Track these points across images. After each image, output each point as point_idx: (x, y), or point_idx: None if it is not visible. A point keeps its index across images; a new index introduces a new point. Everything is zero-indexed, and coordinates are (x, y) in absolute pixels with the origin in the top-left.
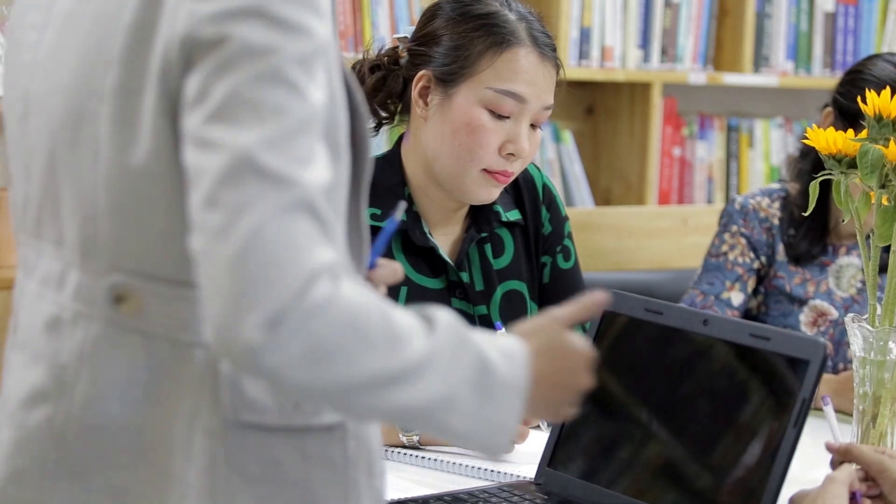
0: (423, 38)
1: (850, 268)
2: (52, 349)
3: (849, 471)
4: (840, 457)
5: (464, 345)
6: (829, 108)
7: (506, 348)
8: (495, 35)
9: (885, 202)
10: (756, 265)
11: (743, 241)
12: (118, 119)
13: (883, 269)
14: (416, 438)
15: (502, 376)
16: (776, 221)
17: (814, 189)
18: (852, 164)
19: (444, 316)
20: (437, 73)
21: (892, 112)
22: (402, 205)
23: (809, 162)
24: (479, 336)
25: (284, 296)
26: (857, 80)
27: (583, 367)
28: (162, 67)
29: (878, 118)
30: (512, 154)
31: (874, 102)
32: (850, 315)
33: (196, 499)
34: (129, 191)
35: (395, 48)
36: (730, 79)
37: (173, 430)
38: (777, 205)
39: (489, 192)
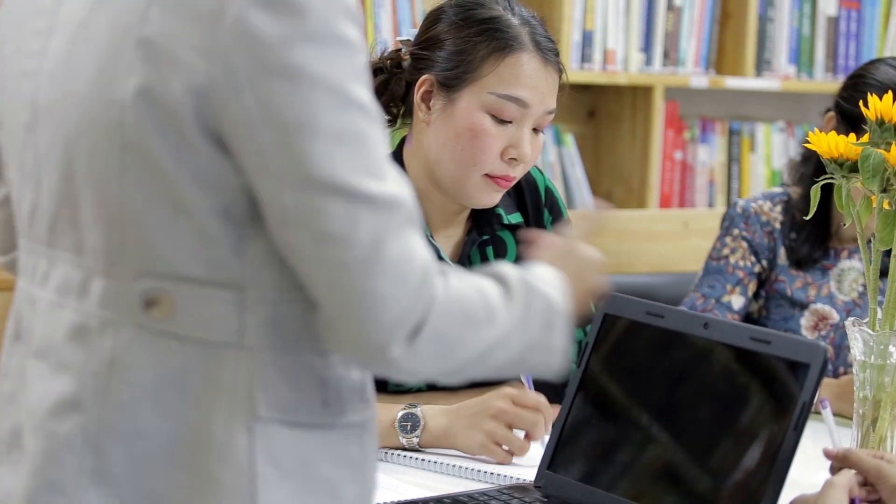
0: (426, 42)
1: (851, 271)
2: (79, 358)
3: (848, 476)
4: (838, 463)
5: (532, 293)
6: (832, 113)
7: (552, 282)
8: (498, 40)
9: (886, 206)
10: (757, 269)
11: (744, 244)
12: (145, 127)
13: (884, 273)
14: (415, 440)
15: (559, 309)
16: (778, 225)
17: (815, 193)
18: (854, 168)
19: (511, 272)
20: (439, 77)
21: (894, 116)
22: None
23: (812, 166)
24: (534, 277)
25: (416, 312)
26: (859, 84)
27: (597, 273)
28: (194, 84)
29: (880, 122)
30: (514, 159)
31: (876, 106)
32: (851, 319)
33: (235, 497)
34: (160, 196)
35: (397, 51)
36: (732, 82)
37: (209, 431)
38: (779, 208)
39: (491, 197)
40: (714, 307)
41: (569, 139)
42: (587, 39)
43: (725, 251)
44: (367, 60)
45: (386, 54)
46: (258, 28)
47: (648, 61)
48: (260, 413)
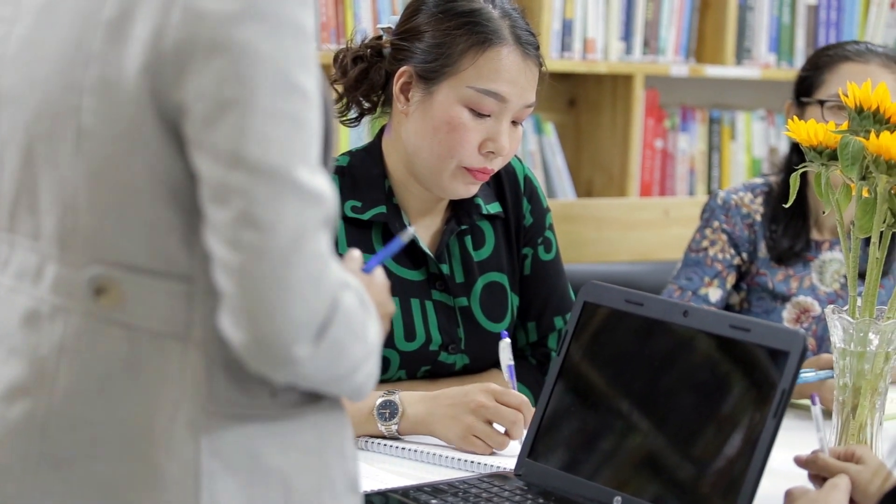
0: (406, 33)
1: (833, 263)
2: (30, 343)
3: (847, 479)
4: (806, 468)
5: (373, 311)
6: (789, 101)
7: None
8: (478, 34)
9: (865, 194)
10: (736, 261)
11: (724, 237)
12: (101, 112)
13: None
14: (394, 428)
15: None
16: (759, 217)
17: (794, 181)
18: (833, 156)
19: (362, 289)
20: (418, 69)
21: (873, 104)
22: (411, 231)
23: (799, 154)
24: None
25: (324, 312)
26: (806, 66)
27: (387, 296)
28: (148, 64)
29: (859, 110)
30: (492, 152)
31: (855, 94)
32: (831, 307)
33: (179, 490)
34: (112, 183)
35: (378, 38)
36: (712, 71)
37: (155, 421)
38: (760, 200)
39: (467, 189)
40: (690, 299)
41: (549, 128)
42: (567, 28)
43: (705, 243)
44: (316, 52)
45: (366, 42)
46: (208, 4)
47: (628, 50)
48: (206, 406)
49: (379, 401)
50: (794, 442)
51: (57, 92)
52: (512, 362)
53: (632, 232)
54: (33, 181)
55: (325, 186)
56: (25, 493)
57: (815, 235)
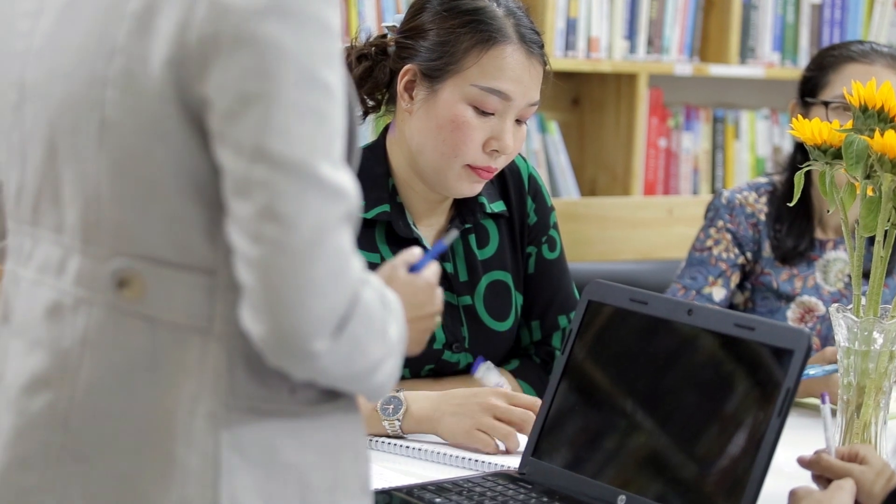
0: (410, 31)
1: (837, 262)
2: (53, 335)
3: (853, 482)
4: (810, 469)
5: (397, 311)
6: (794, 101)
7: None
8: (482, 32)
9: (870, 193)
10: (741, 261)
11: (728, 236)
12: (125, 105)
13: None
14: (397, 424)
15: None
16: (763, 217)
17: (798, 180)
18: (838, 155)
19: (383, 288)
20: (422, 67)
21: (878, 103)
22: (454, 234)
23: (803, 153)
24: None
25: (343, 307)
26: (810, 66)
27: (430, 296)
28: (173, 57)
29: (864, 109)
30: (496, 150)
31: (859, 93)
32: (835, 305)
33: (199, 482)
34: (136, 176)
35: (383, 37)
36: (716, 70)
37: (175, 414)
38: (764, 199)
39: (471, 188)
40: (694, 298)
41: (553, 127)
42: (571, 27)
43: (709, 242)
44: (341, 50)
45: (371, 40)
46: (231, 1)
47: (632, 49)
48: (226, 400)
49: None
50: (798, 441)
51: (80, 85)
52: (503, 382)
53: (635, 231)
54: (56, 174)
55: (347, 182)
56: (47, 485)
57: (819, 235)
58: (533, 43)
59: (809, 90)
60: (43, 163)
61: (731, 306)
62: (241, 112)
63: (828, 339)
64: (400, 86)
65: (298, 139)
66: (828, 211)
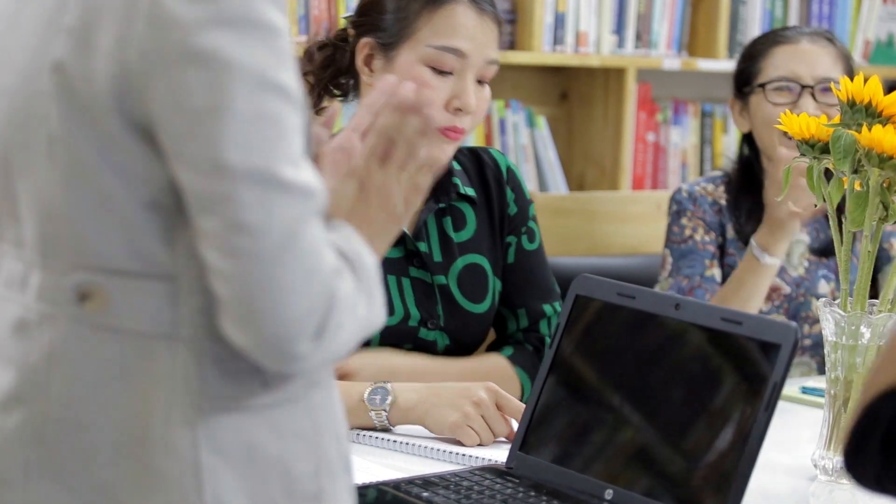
0: (364, 8)
1: (799, 245)
2: (20, 351)
3: None
4: None
5: (370, 276)
6: (731, 98)
7: (368, 253)
8: None
9: (857, 187)
10: (718, 242)
11: (700, 223)
12: (69, 120)
13: (828, 251)
14: (384, 414)
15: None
16: (724, 202)
17: (786, 174)
18: (825, 150)
19: (354, 254)
20: (379, 39)
21: (865, 97)
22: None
23: (750, 144)
24: (362, 251)
25: (322, 307)
26: (741, 59)
27: (393, 205)
28: (114, 73)
29: (851, 103)
30: (459, 109)
31: (847, 87)
32: (823, 300)
33: (181, 489)
34: (87, 189)
35: (343, 29)
36: (704, 64)
37: (151, 424)
38: (721, 189)
39: (442, 149)
40: (701, 283)
41: (541, 121)
42: (559, 21)
43: (687, 232)
44: (291, 46)
45: (332, 32)
46: (172, 12)
47: (621, 43)
48: (199, 403)
49: (370, 388)
50: (784, 436)
51: (25, 101)
52: None
53: (624, 225)
54: (12, 189)
55: (311, 179)
56: (28, 502)
57: None
58: (484, 0)
59: (745, 81)
60: (0, 178)
61: None
62: (193, 129)
63: (795, 318)
64: (359, 61)
65: (255, 147)
66: (777, 198)
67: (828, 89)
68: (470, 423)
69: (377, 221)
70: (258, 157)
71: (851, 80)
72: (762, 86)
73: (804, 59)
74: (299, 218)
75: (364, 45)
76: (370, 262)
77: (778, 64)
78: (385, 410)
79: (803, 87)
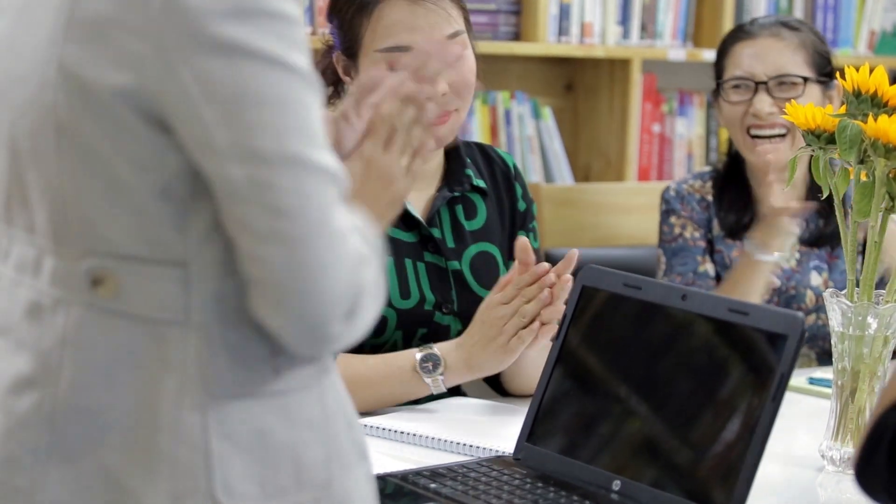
0: (328, 20)
1: (789, 237)
2: (34, 335)
3: None
4: None
5: (382, 254)
6: (712, 94)
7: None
8: (359, 0)
9: (863, 177)
10: (707, 237)
11: (688, 220)
12: (79, 109)
13: (818, 240)
14: (441, 380)
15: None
16: (710, 198)
17: (792, 165)
18: (831, 140)
19: (368, 230)
20: (343, 51)
21: (871, 87)
22: None
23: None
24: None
25: (354, 289)
26: (716, 56)
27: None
28: (128, 63)
29: (857, 93)
30: (442, 94)
31: (852, 77)
32: (829, 290)
33: (190, 475)
34: (98, 177)
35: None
36: (709, 55)
37: (161, 409)
38: (709, 185)
39: (438, 139)
40: (695, 279)
41: (546, 112)
42: (564, 12)
43: (677, 230)
44: (306, 34)
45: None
46: (189, 4)
47: (626, 34)
48: (210, 389)
49: (419, 355)
50: (792, 427)
51: (34, 89)
52: None
53: (630, 216)
54: (22, 176)
55: (334, 162)
56: (37, 486)
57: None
58: None
59: (717, 78)
60: (9, 165)
61: None
62: (222, 118)
63: (789, 308)
64: (340, 71)
65: (283, 131)
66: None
67: (783, 83)
68: (511, 338)
69: (380, 202)
70: (290, 142)
71: (820, 66)
72: (719, 85)
73: (760, 55)
74: (330, 201)
75: (336, 58)
76: (380, 242)
77: (737, 62)
78: (441, 376)
79: (757, 83)
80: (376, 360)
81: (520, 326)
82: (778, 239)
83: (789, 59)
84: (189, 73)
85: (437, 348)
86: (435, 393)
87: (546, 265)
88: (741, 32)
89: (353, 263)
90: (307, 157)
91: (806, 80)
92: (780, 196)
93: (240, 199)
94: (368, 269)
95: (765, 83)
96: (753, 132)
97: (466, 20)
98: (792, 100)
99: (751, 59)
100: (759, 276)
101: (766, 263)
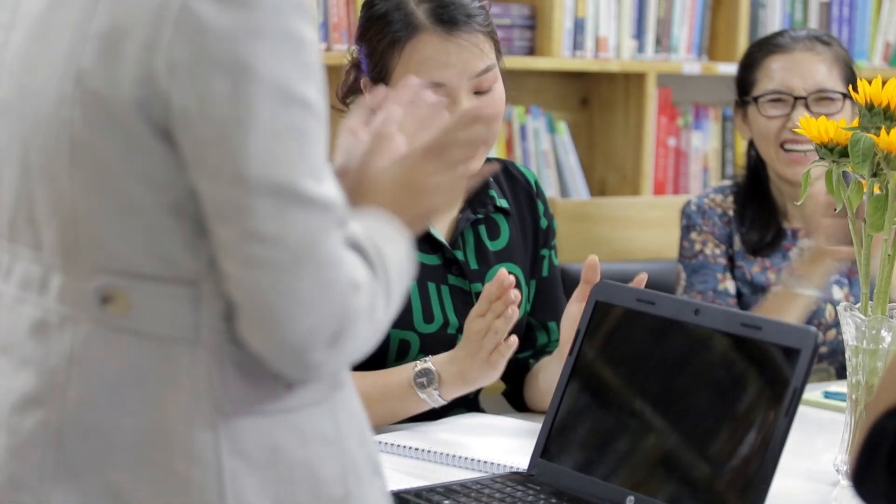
0: (356, 43)
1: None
2: (40, 353)
3: None
4: None
5: (390, 271)
6: (734, 106)
7: (397, 240)
8: (393, 33)
9: (876, 191)
10: (728, 253)
11: (710, 236)
12: (94, 125)
13: (755, 251)
14: (436, 394)
15: (408, 272)
16: (732, 213)
17: (805, 178)
18: (844, 153)
19: (373, 251)
20: (371, 77)
21: (883, 100)
22: None
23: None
24: (386, 249)
25: (337, 318)
26: (740, 67)
27: (434, 190)
28: (140, 79)
29: (870, 107)
30: None
31: (865, 91)
32: (843, 304)
33: (204, 493)
34: (111, 194)
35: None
36: (724, 68)
37: (171, 428)
38: (731, 199)
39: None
40: (713, 297)
41: (562, 127)
42: (579, 27)
43: (697, 247)
44: (319, 58)
45: (353, 56)
46: (203, 19)
47: (641, 48)
48: (221, 407)
49: (415, 370)
50: (807, 441)
51: (49, 104)
52: None
53: (646, 230)
54: (31, 192)
55: (332, 193)
56: None
57: (786, 225)
58: (450, 22)
59: (743, 90)
60: (18, 180)
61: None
62: (216, 138)
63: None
64: (365, 94)
65: (277, 160)
66: (796, 203)
67: (822, 99)
68: (492, 352)
69: (412, 213)
70: (279, 171)
71: (851, 81)
72: (755, 99)
73: (797, 70)
74: (318, 230)
75: (364, 84)
76: (396, 251)
77: (772, 75)
78: (436, 390)
79: (796, 98)
80: (374, 377)
81: (497, 341)
82: (821, 277)
83: (826, 74)
84: (193, 89)
85: (432, 362)
86: (434, 407)
87: (511, 279)
88: (772, 45)
89: (341, 290)
90: (296, 187)
91: (845, 96)
92: (832, 237)
93: (223, 220)
94: (360, 296)
95: (804, 98)
96: (788, 147)
97: (497, 50)
98: (827, 116)
99: (787, 73)
100: (796, 308)
101: (805, 297)
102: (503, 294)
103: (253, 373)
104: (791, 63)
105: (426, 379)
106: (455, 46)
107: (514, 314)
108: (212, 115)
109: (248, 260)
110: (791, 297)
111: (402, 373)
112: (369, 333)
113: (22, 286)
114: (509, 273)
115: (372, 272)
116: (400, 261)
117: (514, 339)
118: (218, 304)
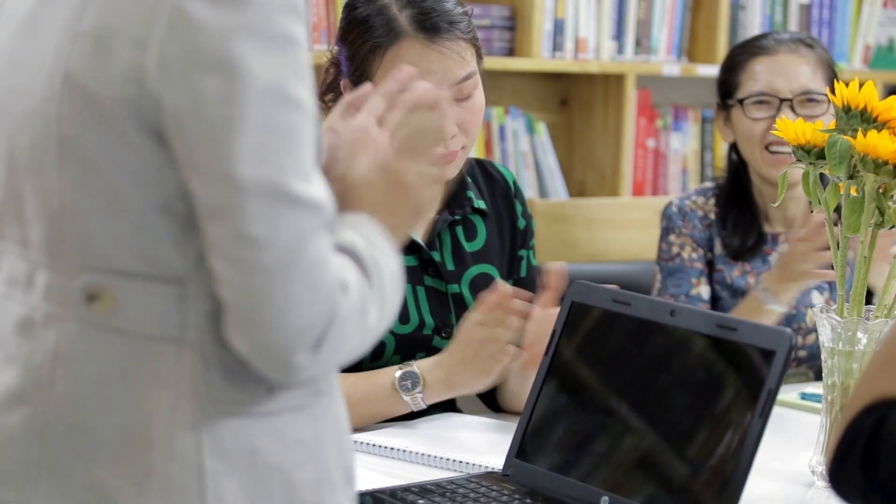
0: (337, 45)
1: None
2: (24, 350)
3: None
4: None
5: (382, 275)
6: (716, 105)
7: (384, 247)
8: (375, 38)
9: (853, 193)
10: (708, 257)
11: (689, 239)
12: (83, 123)
13: (736, 255)
14: (420, 397)
15: (397, 276)
16: (713, 216)
17: (783, 180)
18: (820, 155)
19: (367, 255)
20: (351, 80)
21: (860, 103)
22: None
23: (738, 153)
24: (378, 253)
25: (321, 321)
26: (722, 69)
27: (418, 191)
28: (131, 76)
29: (847, 109)
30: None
31: (842, 93)
32: (819, 306)
33: (183, 492)
34: (99, 192)
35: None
36: (704, 70)
37: (153, 425)
38: (712, 202)
39: (442, 174)
40: (686, 302)
41: (541, 128)
42: (559, 28)
43: (675, 249)
44: (309, 59)
45: (333, 56)
46: (196, 18)
47: (620, 49)
48: (204, 407)
49: (399, 373)
50: (782, 442)
51: (37, 102)
52: None
53: (624, 232)
54: (18, 190)
55: (321, 194)
56: (26, 501)
57: (767, 229)
58: (432, 29)
59: (726, 93)
60: (5, 178)
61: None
62: (207, 137)
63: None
64: (345, 95)
65: (267, 160)
66: (773, 204)
67: (807, 101)
68: (491, 359)
69: (402, 214)
70: (269, 171)
71: (833, 84)
72: (741, 101)
73: (782, 72)
74: (306, 232)
75: (344, 85)
76: (390, 263)
77: (756, 77)
78: (420, 393)
79: (782, 100)
80: (357, 379)
81: (496, 349)
82: (792, 293)
83: (811, 76)
84: (184, 88)
85: (417, 366)
86: (415, 410)
87: (510, 290)
88: (756, 48)
89: (327, 294)
90: (286, 187)
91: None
92: (814, 260)
93: (213, 220)
94: (348, 297)
95: (789, 100)
96: (774, 149)
97: (479, 56)
98: (812, 117)
99: (772, 76)
100: (765, 321)
101: (772, 313)
102: (503, 303)
103: (236, 374)
104: (776, 65)
105: (410, 382)
106: (437, 54)
107: (518, 324)
108: (203, 114)
109: (236, 261)
110: (761, 311)
111: (385, 375)
112: (358, 337)
113: (8, 283)
114: (486, 274)
115: (368, 281)
116: (394, 272)
117: (516, 349)
118: (204, 303)
